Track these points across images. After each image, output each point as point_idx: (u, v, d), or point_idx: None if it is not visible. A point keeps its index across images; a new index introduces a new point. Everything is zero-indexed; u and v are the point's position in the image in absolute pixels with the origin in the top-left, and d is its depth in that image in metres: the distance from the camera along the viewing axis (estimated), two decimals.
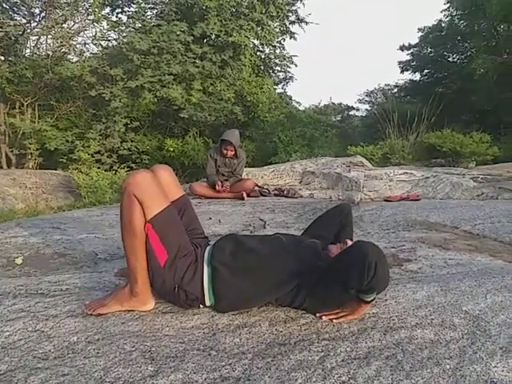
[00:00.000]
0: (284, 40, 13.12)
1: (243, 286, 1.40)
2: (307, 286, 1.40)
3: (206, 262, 1.45)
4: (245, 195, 4.33)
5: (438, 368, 1.12)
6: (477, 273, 1.85)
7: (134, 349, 1.19)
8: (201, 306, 1.45)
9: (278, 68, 14.09)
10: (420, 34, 17.78)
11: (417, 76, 18.52)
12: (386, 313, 1.42)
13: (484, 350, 1.20)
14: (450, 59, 17.64)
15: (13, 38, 9.17)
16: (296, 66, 13.66)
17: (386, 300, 1.50)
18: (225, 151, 4.53)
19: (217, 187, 4.40)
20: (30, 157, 8.54)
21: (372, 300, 1.36)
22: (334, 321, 1.35)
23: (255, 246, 1.51)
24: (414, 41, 18.10)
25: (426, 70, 17.96)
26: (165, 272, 1.39)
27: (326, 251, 1.54)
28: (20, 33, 9.18)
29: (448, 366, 1.13)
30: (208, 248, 1.52)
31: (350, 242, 1.51)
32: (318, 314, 1.40)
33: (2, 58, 9.40)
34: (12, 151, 9.13)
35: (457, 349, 1.21)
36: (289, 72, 14.28)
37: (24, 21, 9.91)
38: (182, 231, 1.51)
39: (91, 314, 1.38)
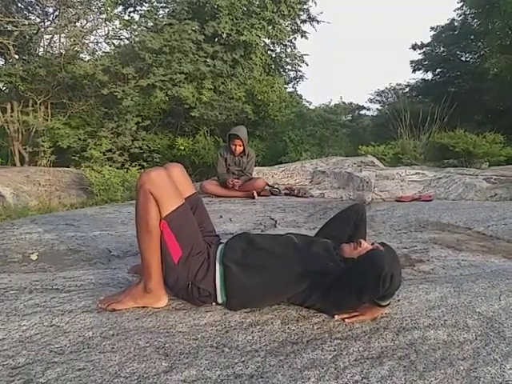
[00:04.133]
0: (295, 39, 13.10)
1: (254, 285, 1.41)
2: (320, 288, 1.40)
3: (218, 260, 1.46)
4: (255, 194, 4.34)
5: (451, 369, 1.11)
6: (490, 274, 1.84)
7: (148, 344, 1.21)
8: (213, 303, 1.46)
9: (289, 67, 14.08)
10: (432, 32, 17.61)
11: (429, 75, 18.33)
12: (398, 313, 1.42)
13: (498, 352, 1.19)
14: (462, 58, 17.44)
15: (27, 36, 9.29)
16: (307, 65, 13.63)
17: (398, 300, 1.50)
18: (233, 146, 4.55)
19: (228, 183, 4.42)
20: (42, 154, 8.62)
21: (387, 305, 1.37)
22: (347, 320, 1.36)
23: (267, 245, 1.52)
24: (427, 40, 17.93)
25: (438, 70, 17.77)
26: (178, 269, 1.41)
27: (338, 251, 1.54)
28: (34, 32, 9.29)
29: (462, 367, 1.12)
30: (220, 246, 1.53)
31: (363, 242, 1.50)
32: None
33: (17, 56, 9.51)
34: (25, 149, 9.24)
35: (470, 350, 1.21)
36: (299, 71, 14.26)
37: (38, 20, 10.04)
38: (196, 229, 1.52)
39: (105, 309, 1.40)
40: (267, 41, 12.50)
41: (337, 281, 1.38)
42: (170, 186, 1.43)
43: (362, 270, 1.31)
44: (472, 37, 16.38)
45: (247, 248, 1.50)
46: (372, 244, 1.49)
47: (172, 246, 1.40)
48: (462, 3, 15.82)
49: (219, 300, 1.44)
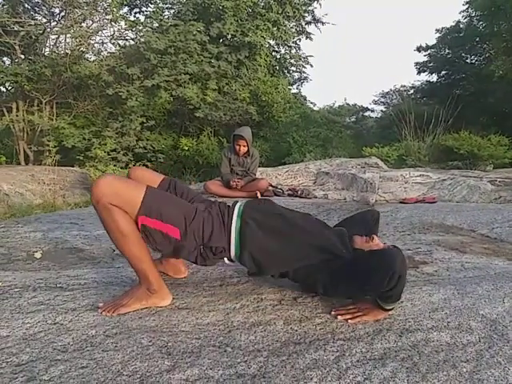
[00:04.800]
0: (300, 40, 13.13)
1: (267, 243, 1.43)
2: (325, 269, 1.43)
3: (236, 215, 1.48)
4: (259, 195, 4.34)
5: (454, 371, 1.11)
6: (494, 276, 1.83)
7: (151, 343, 1.21)
8: (226, 260, 1.49)
9: (294, 68, 14.09)
10: (438, 35, 17.53)
11: (434, 77, 18.26)
12: (401, 315, 1.41)
13: (502, 355, 1.19)
14: (467, 61, 17.36)
15: (33, 36, 9.33)
16: (312, 66, 13.65)
17: (401, 302, 1.49)
18: (237, 147, 4.56)
19: (231, 183, 4.43)
20: (47, 154, 8.66)
21: (391, 309, 1.38)
22: (350, 321, 1.35)
23: (288, 214, 1.56)
24: (432, 42, 17.88)
25: (443, 72, 17.70)
26: (185, 243, 1.40)
27: (350, 241, 1.56)
28: (40, 32, 9.34)
29: (465, 370, 1.12)
30: (238, 204, 1.54)
31: (376, 238, 1.53)
32: (333, 313, 1.40)
33: (23, 56, 9.56)
34: (30, 148, 9.29)
35: (474, 352, 1.20)
36: (304, 72, 14.28)
37: (44, 20, 10.09)
38: (176, 199, 1.51)
39: (112, 315, 1.38)
40: (272, 42, 12.52)
41: (344, 267, 1.41)
42: (123, 183, 1.37)
43: (373, 263, 1.33)
44: (477, 39, 16.30)
45: (267, 210, 1.53)
46: (384, 244, 1.53)
47: (165, 229, 1.37)
48: (467, 5, 15.78)
49: (232, 253, 1.45)
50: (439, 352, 1.20)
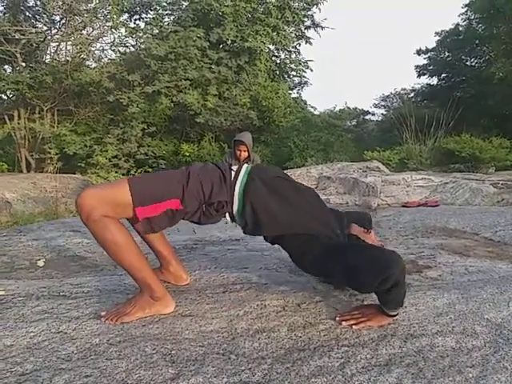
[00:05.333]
0: (299, 45, 13.17)
1: (270, 202, 1.43)
2: (318, 244, 1.42)
3: (244, 171, 1.48)
4: None
5: (460, 376, 1.10)
6: (498, 280, 1.82)
7: (154, 351, 1.20)
8: (228, 217, 1.48)
9: (294, 73, 14.13)
10: (437, 38, 17.64)
11: (434, 80, 18.34)
12: (406, 320, 1.41)
13: (508, 360, 1.18)
14: (467, 63, 17.42)
15: (34, 44, 9.41)
16: (312, 70, 13.68)
17: (405, 307, 1.49)
18: (238, 152, 4.56)
19: None
20: (49, 161, 8.70)
21: (395, 315, 1.37)
22: (354, 327, 1.35)
23: (295, 182, 1.59)
24: (431, 45, 17.95)
25: (443, 75, 17.77)
26: (188, 208, 1.39)
27: (347, 227, 1.59)
28: (41, 39, 9.42)
29: (470, 375, 1.11)
30: (246, 165, 1.53)
31: (373, 233, 1.56)
32: (337, 319, 1.39)
33: (24, 64, 9.63)
34: (32, 155, 9.32)
35: (479, 357, 1.19)
36: (304, 77, 14.32)
37: (45, 28, 10.19)
38: (162, 173, 1.50)
39: (114, 324, 1.37)
40: (272, 47, 12.57)
41: (338, 247, 1.42)
42: (105, 188, 1.36)
43: (372, 256, 1.32)
44: (477, 41, 16.37)
45: (275, 173, 1.55)
46: (380, 241, 1.54)
47: (165, 206, 1.35)
48: (466, 8, 15.84)
49: (234, 207, 1.45)
50: (444, 357, 1.19)
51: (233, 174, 1.49)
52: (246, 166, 1.52)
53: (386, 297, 1.31)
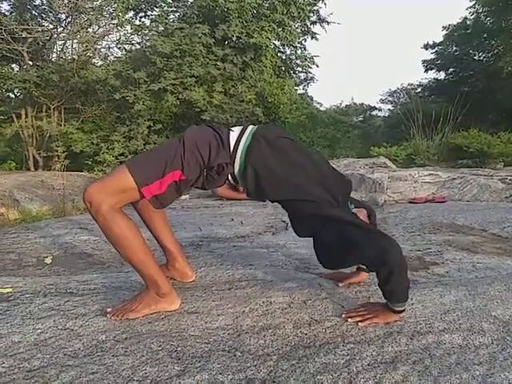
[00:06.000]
0: (305, 40, 13.06)
1: (273, 162, 1.40)
2: (318, 212, 1.39)
3: (248, 132, 1.45)
4: None
5: (467, 374, 1.09)
6: (506, 277, 1.81)
7: (160, 348, 1.21)
8: (230, 177, 1.46)
9: (299, 69, 14.04)
10: (444, 32, 17.43)
11: (441, 75, 18.15)
12: (412, 317, 1.40)
13: None
14: (475, 57, 17.22)
15: (41, 43, 9.45)
16: (317, 66, 13.60)
17: (412, 304, 1.48)
18: None
19: (239, 186, 4.42)
20: (56, 159, 8.75)
21: (401, 311, 1.36)
22: (360, 324, 1.34)
23: (302, 144, 1.57)
24: (439, 39, 17.77)
25: (450, 69, 17.58)
26: (190, 175, 1.38)
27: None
28: (47, 38, 9.46)
29: (478, 373, 1.10)
30: (251, 126, 1.50)
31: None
32: (343, 316, 1.39)
33: (30, 62, 9.68)
34: (39, 153, 9.38)
35: (486, 355, 1.18)
36: (310, 72, 14.22)
37: (51, 26, 10.20)
38: (157, 148, 1.51)
39: (120, 320, 1.38)
40: (277, 43, 12.50)
41: (339, 220, 1.37)
42: (107, 180, 1.36)
43: (373, 237, 1.31)
44: (485, 35, 16.17)
45: (282, 134, 1.51)
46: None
47: (169, 180, 1.35)
48: (474, 1, 15.65)
49: (236, 168, 1.42)
50: (451, 354, 1.18)
51: (233, 134, 1.45)
52: (251, 126, 1.49)
53: (386, 286, 1.32)
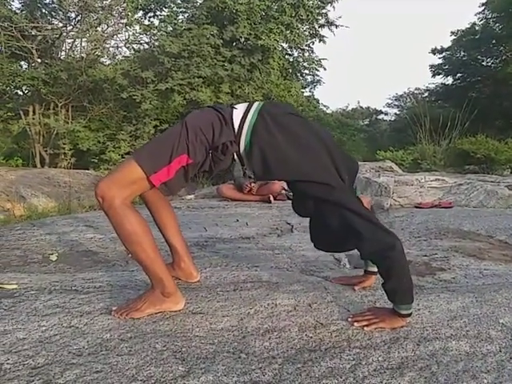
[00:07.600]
0: (313, 43, 13.03)
1: (279, 140, 1.37)
2: (328, 199, 1.37)
3: (254, 109, 1.42)
4: (272, 198, 4.33)
5: (474, 382, 1.08)
6: None
7: (165, 348, 1.20)
8: (235, 156, 1.43)
9: (307, 71, 14.02)
10: (453, 37, 17.35)
11: (449, 80, 18.05)
12: (419, 323, 1.39)
13: None
14: (483, 63, 17.12)
15: (50, 41, 9.49)
16: (325, 69, 13.55)
17: (419, 310, 1.47)
18: None
19: (244, 187, 4.41)
20: (63, 156, 8.77)
21: (407, 315, 1.35)
22: (366, 328, 1.33)
23: (311, 122, 1.54)
24: (447, 44, 17.68)
25: (458, 74, 17.49)
26: (196, 158, 1.36)
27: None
28: (57, 36, 9.50)
29: (485, 381, 1.09)
30: (257, 103, 1.47)
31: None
32: (349, 320, 1.38)
33: (39, 60, 9.72)
34: (46, 151, 9.42)
35: (494, 362, 1.17)
36: (317, 75, 14.20)
37: (61, 24, 10.25)
38: (160, 136, 1.50)
39: (125, 319, 1.38)
40: (285, 45, 12.48)
41: (346, 207, 1.36)
42: (116, 174, 1.36)
43: (378, 236, 1.34)
44: (493, 41, 16.08)
45: (289, 111, 1.49)
46: None
47: (176, 165, 1.34)
48: (483, 7, 15.58)
49: (242, 146, 1.40)
50: (458, 362, 1.17)
51: (237, 112, 1.42)
52: (257, 102, 1.46)
53: (388, 284, 1.32)
